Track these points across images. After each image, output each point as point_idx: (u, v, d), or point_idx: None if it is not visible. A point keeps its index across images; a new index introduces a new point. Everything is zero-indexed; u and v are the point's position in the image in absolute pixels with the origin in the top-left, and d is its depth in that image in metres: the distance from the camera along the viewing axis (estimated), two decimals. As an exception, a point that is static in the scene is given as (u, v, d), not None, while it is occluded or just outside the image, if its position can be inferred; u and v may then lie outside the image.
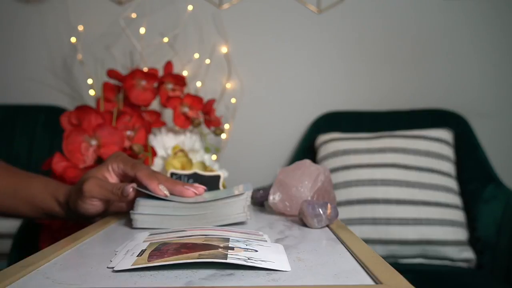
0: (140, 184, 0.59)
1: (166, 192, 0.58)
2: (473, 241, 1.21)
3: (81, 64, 1.52)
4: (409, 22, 1.56)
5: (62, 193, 0.65)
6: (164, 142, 1.13)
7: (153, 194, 0.56)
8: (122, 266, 0.37)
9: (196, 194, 0.59)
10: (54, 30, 1.59)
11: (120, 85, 1.17)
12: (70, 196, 0.63)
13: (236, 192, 0.57)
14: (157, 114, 1.20)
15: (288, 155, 1.59)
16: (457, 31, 1.55)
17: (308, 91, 1.58)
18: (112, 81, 1.19)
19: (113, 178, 0.62)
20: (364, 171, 1.27)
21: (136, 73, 1.15)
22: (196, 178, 0.77)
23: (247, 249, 0.40)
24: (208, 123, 1.23)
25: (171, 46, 1.50)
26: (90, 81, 1.42)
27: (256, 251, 0.40)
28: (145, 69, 1.21)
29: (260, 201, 0.73)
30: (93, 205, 0.60)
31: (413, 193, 1.21)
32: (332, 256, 0.41)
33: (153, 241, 0.44)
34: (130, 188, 0.56)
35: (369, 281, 0.34)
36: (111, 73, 1.16)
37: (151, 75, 1.17)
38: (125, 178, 0.63)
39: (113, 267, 0.37)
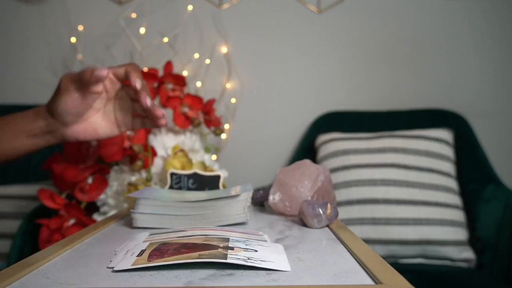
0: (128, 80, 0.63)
1: (138, 84, 0.61)
2: (473, 241, 1.21)
3: (81, 64, 1.52)
4: (409, 22, 1.56)
5: (42, 107, 0.66)
6: (164, 142, 1.13)
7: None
8: (122, 266, 0.37)
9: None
10: (54, 30, 1.59)
11: (120, 85, 1.17)
12: (50, 100, 0.64)
13: (233, 193, 0.57)
14: (157, 114, 1.20)
15: (288, 155, 1.59)
16: (457, 31, 1.55)
17: (308, 91, 1.58)
18: (112, 81, 1.18)
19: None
20: (364, 171, 1.27)
21: (136, 73, 1.15)
22: (196, 178, 0.77)
23: (247, 249, 0.40)
24: (208, 123, 1.23)
25: (171, 46, 1.50)
26: (90, 81, 1.42)
27: (256, 251, 0.40)
28: (145, 69, 1.21)
29: (260, 201, 0.73)
30: (70, 98, 0.62)
31: (413, 193, 1.21)
32: (332, 256, 0.41)
33: (153, 241, 0.44)
34: (104, 70, 0.58)
35: (369, 281, 0.34)
36: (111, 73, 1.16)
37: (151, 75, 1.17)
38: (113, 84, 0.66)
39: (113, 267, 0.37)
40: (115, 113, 0.68)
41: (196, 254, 0.37)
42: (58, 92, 0.62)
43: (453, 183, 1.27)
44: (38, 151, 0.68)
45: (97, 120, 0.67)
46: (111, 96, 0.67)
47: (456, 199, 1.24)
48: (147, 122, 0.69)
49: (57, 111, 0.63)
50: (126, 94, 0.68)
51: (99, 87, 0.63)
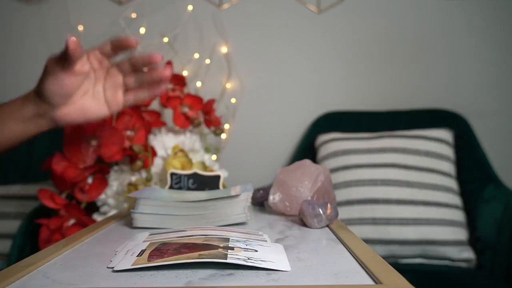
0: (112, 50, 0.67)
1: (133, 41, 0.65)
2: (473, 241, 1.21)
3: (81, 64, 1.52)
4: (409, 22, 1.56)
5: (31, 91, 0.68)
6: (164, 142, 1.13)
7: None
8: (122, 266, 0.37)
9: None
10: (54, 30, 1.59)
11: (120, 85, 1.17)
12: (38, 83, 0.66)
13: (233, 193, 0.57)
14: (157, 114, 1.20)
15: (288, 155, 1.59)
16: (457, 31, 1.55)
17: (308, 91, 1.58)
18: (112, 81, 1.19)
19: (83, 65, 0.66)
20: (364, 171, 1.26)
21: (136, 73, 1.15)
22: (196, 178, 0.77)
23: (247, 249, 0.40)
24: (208, 123, 1.23)
25: (171, 46, 1.50)
26: (90, 81, 1.42)
27: (256, 251, 0.40)
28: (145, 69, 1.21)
29: (260, 201, 0.73)
30: (57, 78, 0.64)
31: (413, 193, 1.21)
32: (332, 256, 0.41)
33: (153, 241, 0.44)
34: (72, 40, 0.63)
35: (369, 281, 0.34)
36: (111, 73, 1.16)
37: (151, 75, 1.16)
38: (100, 63, 0.69)
39: (113, 267, 0.37)
40: (104, 93, 0.69)
41: (196, 254, 0.37)
42: (45, 73, 0.64)
43: (453, 183, 1.27)
44: (30, 138, 0.69)
45: (86, 102, 0.68)
46: (100, 76, 0.69)
47: (456, 199, 1.24)
48: (141, 93, 0.70)
49: (45, 93, 0.64)
50: (117, 71, 0.69)
51: (85, 67, 0.65)
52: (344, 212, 1.22)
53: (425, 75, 1.56)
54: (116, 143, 1.01)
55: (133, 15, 1.51)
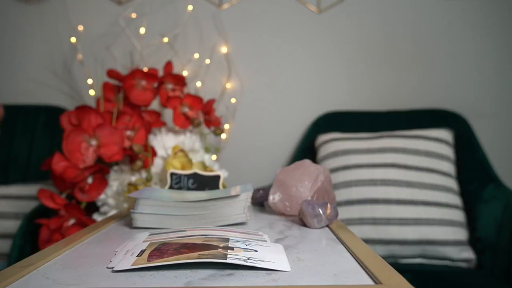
0: None
1: None
2: (473, 241, 1.21)
3: (81, 64, 1.52)
4: (409, 22, 1.56)
5: None
6: (164, 142, 1.13)
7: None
8: (122, 266, 0.37)
9: None
10: (54, 30, 1.59)
11: (120, 85, 1.17)
12: None
13: (233, 193, 0.57)
14: (157, 114, 1.20)
15: (288, 155, 1.59)
16: (457, 31, 1.55)
17: (308, 91, 1.58)
18: (112, 81, 1.19)
19: None
20: (364, 171, 1.26)
21: (136, 73, 1.15)
22: (196, 178, 0.77)
23: (247, 249, 0.40)
24: (208, 123, 1.23)
25: (171, 46, 1.50)
26: (90, 81, 1.42)
27: (256, 251, 0.40)
28: (145, 69, 1.21)
29: (260, 201, 0.73)
30: None
31: (413, 193, 1.21)
32: (332, 256, 0.41)
33: (153, 241, 0.44)
34: None
35: (369, 281, 0.34)
36: (111, 73, 1.16)
37: (151, 75, 1.17)
38: None
39: (113, 267, 0.37)
40: None
41: (196, 254, 0.37)
42: None
43: (453, 183, 1.27)
44: None
45: None
46: None
47: (456, 199, 1.24)
48: None
49: None
50: None
51: None
52: (344, 212, 1.22)
53: (425, 75, 1.56)
54: (116, 143, 1.01)
55: (133, 15, 1.51)
